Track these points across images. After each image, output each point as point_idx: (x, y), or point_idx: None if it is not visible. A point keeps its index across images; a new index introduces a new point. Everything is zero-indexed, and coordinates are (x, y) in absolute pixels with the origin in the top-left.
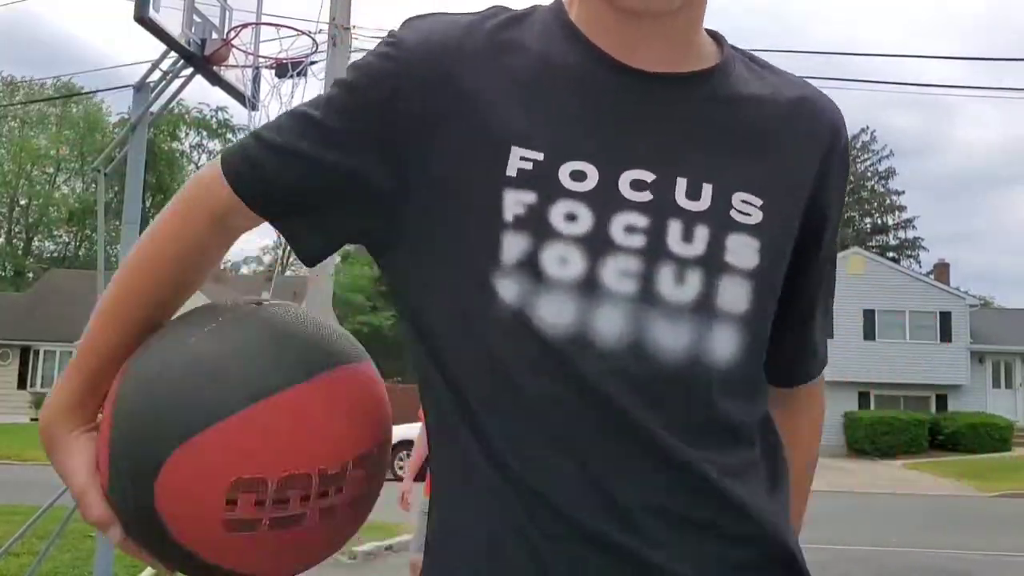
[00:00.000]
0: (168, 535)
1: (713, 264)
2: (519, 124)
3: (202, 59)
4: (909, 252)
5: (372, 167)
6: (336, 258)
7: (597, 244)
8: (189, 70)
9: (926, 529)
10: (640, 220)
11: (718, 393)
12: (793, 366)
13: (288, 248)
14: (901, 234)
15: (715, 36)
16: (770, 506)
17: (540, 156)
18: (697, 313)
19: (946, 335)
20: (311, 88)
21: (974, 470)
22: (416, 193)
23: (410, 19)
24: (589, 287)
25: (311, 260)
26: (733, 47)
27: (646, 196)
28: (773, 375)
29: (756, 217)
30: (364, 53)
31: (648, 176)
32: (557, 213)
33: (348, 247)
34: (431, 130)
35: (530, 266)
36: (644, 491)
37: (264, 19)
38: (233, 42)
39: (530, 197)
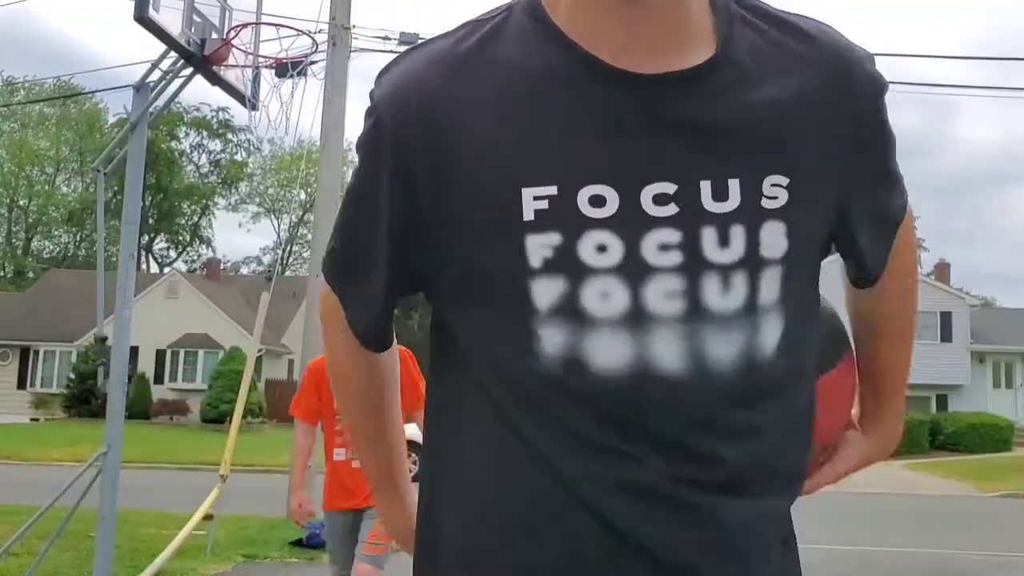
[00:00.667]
0: None
1: (753, 263)
2: (521, 160)
3: (202, 59)
4: None
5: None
6: None
7: (634, 271)
8: (189, 70)
9: (926, 529)
10: (672, 236)
11: (771, 382)
12: (883, 249)
13: (288, 249)
14: None
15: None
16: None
17: (553, 190)
18: (746, 316)
19: (946, 335)
20: (311, 88)
21: (975, 470)
22: (445, 254)
23: (383, 75)
24: (638, 318)
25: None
26: (734, 2)
27: (672, 209)
28: (871, 272)
29: (783, 199)
30: (363, 53)
31: (670, 187)
32: (586, 247)
33: None
34: (438, 192)
35: (570, 309)
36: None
37: (264, 19)
38: (233, 42)
39: (554, 238)
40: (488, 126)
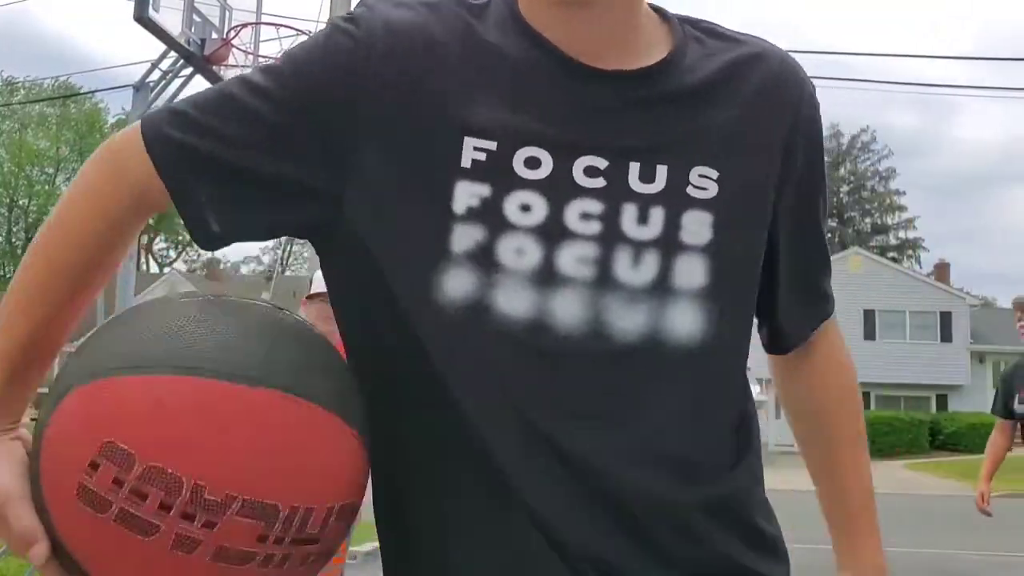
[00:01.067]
0: (39, 488)
1: (669, 244)
2: (472, 115)
3: (202, 59)
4: (909, 252)
5: (306, 169)
6: None
7: (553, 233)
8: (189, 70)
9: (926, 529)
10: (595, 206)
11: (681, 368)
12: (803, 317)
13: (289, 248)
14: (901, 234)
15: (662, 14)
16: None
17: (493, 145)
18: (654, 293)
19: (946, 335)
20: None
21: (974, 470)
22: (358, 191)
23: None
24: (546, 276)
25: (212, 246)
26: (684, 20)
27: (600, 182)
28: (788, 336)
29: (711, 191)
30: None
31: (601, 163)
32: (512, 204)
33: None
34: (381, 127)
35: (484, 257)
36: (596, 458)
37: (264, 19)
38: (233, 42)
39: (484, 189)
40: (449, 79)
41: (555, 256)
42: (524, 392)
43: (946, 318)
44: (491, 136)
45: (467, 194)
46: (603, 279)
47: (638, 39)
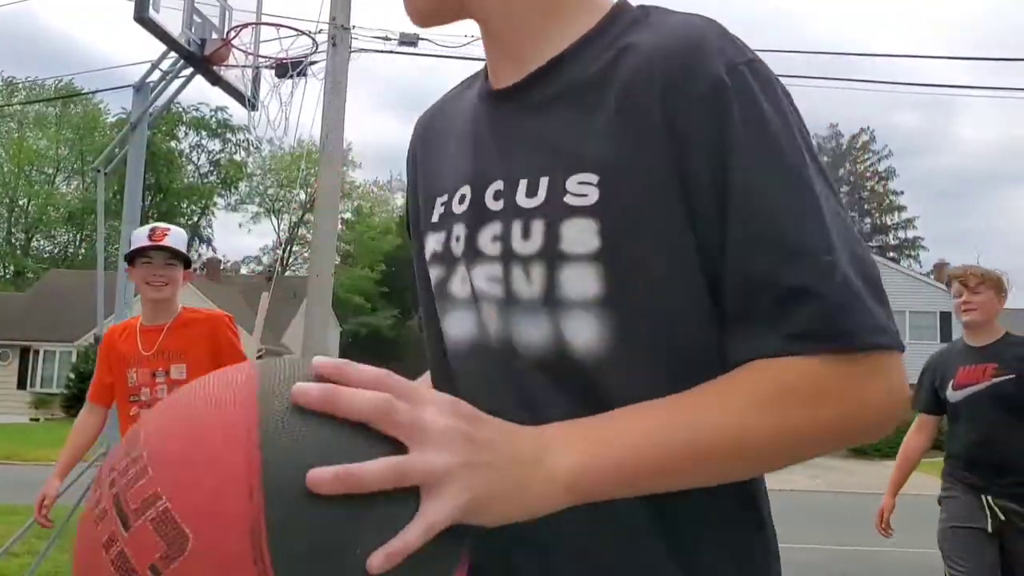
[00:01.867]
0: None
1: (551, 256)
2: (441, 177)
3: (202, 59)
4: (909, 252)
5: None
6: (336, 259)
7: (471, 257)
8: (189, 70)
9: (926, 529)
10: (498, 228)
11: (583, 379)
12: (728, 339)
13: (288, 248)
14: (901, 234)
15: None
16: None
17: (446, 197)
18: (547, 305)
19: (946, 335)
20: (311, 88)
21: None
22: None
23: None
24: (473, 299)
25: None
26: (642, 8)
27: (501, 204)
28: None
29: (592, 197)
30: (363, 53)
31: (501, 185)
32: (452, 239)
33: (347, 247)
34: (416, 195)
35: (443, 291)
36: None
37: (264, 19)
38: (233, 42)
39: (442, 236)
40: (439, 153)
41: (473, 278)
42: (478, 404)
43: (945, 318)
44: (446, 190)
45: (433, 242)
46: (507, 296)
47: (538, 51)
